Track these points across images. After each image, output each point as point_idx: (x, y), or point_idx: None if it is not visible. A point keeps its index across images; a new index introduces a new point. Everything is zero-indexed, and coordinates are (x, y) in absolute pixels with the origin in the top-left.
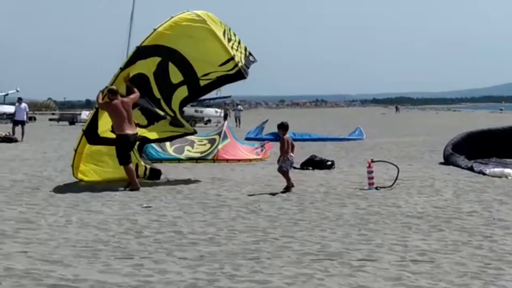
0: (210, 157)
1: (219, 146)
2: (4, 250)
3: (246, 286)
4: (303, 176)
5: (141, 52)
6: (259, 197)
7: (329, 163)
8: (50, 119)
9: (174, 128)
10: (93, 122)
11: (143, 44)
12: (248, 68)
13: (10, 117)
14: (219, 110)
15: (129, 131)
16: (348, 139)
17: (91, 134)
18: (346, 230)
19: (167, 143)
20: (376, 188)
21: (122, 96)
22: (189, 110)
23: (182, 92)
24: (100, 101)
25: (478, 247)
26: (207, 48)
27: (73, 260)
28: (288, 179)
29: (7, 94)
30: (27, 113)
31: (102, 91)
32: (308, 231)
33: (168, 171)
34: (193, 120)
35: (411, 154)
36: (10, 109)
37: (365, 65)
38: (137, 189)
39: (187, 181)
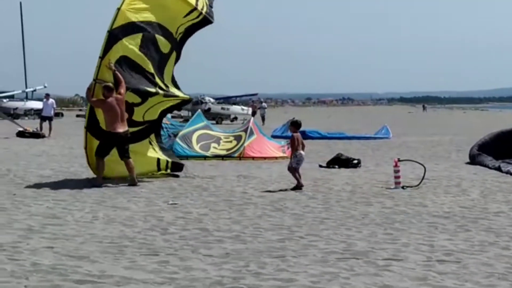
0: (236, 154)
1: (245, 144)
2: (31, 245)
3: (271, 284)
4: (329, 175)
5: (114, 35)
6: (284, 195)
7: (355, 161)
8: (77, 115)
9: (169, 98)
10: (92, 117)
11: (114, 27)
12: (211, 15)
13: (38, 113)
14: (245, 108)
15: (120, 129)
16: (375, 138)
17: (95, 129)
18: (372, 229)
19: (193, 140)
20: (403, 187)
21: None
22: (215, 107)
23: (172, 61)
24: (91, 98)
25: (505, 248)
26: (169, 6)
27: (99, 256)
28: (296, 177)
29: (35, 90)
30: (54, 109)
31: (90, 88)
32: (333, 230)
33: (194, 168)
34: (219, 117)
35: (437, 153)
36: (37, 105)
37: (392, 63)
38: (100, 185)
39: (213, 178)
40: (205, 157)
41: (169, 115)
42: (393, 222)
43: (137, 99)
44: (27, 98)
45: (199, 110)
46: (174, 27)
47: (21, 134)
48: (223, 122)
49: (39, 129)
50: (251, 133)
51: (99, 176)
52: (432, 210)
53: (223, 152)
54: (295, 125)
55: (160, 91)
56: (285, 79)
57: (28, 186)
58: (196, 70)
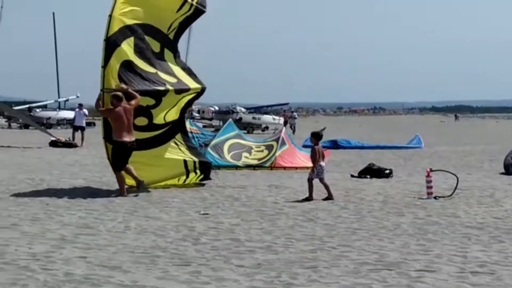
0: (267, 164)
1: (277, 153)
2: (64, 255)
3: None
4: (361, 185)
5: (112, 42)
6: (316, 205)
7: (387, 171)
8: None
9: (183, 94)
10: (107, 126)
11: (110, 34)
12: (203, 4)
13: (70, 123)
14: (276, 117)
15: (127, 138)
16: (407, 147)
17: (111, 138)
18: (404, 240)
19: (225, 150)
20: (435, 197)
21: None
22: (246, 117)
23: (168, 55)
24: (100, 108)
25: None
26: (159, 5)
27: (132, 266)
28: (310, 190)
29: (67, 100)
30: (85, 119)
31: (99, 99)
32: (365, 240)
33: (225, 178)
34: (250, 127)
35: (470, 163)
36: (70, 114)
37: (424, 72)
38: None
39: (244, 188)
40: (236, 167)
41: (200, 124)
42: (426, 232)
43: (151, 101)
44: (59, 108)
45: (230, 119)
46: (166, 24)
47: (54, 144)
48: (254, 131)
49: (71, 138)
50: (283, 143)
51: (122, 189)
52: (465, 221)
53: (255, 162)
54: (316, 136)
55: (170, 87)
56: (317, 88)
57: (61, 196)
58: (227, 80)
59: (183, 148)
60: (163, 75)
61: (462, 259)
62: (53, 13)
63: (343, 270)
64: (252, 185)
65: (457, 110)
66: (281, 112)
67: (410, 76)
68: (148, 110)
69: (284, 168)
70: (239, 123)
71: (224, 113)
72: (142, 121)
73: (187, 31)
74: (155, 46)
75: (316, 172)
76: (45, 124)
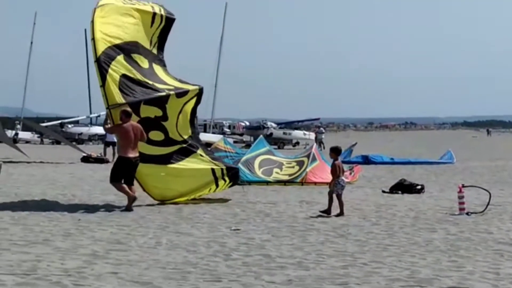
0: (298, 180)
1: (308, 169)
2: (95, 270)
3: None
4: (392, 200)
5: (103, 62)
6: (347, 221)
7: (418, 187)
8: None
9: (184, 98)
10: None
11: (99, 55)
12: (170, 12)
13: (102, 138)
14: (307, 133)
15: (131, 154)
16: (438, 163)
17: None
18: (436, 256)
19: (256, 165)
20: (467, 213)
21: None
22: (277, 132)
23: (158, 69)
24: (107, 126)
25: None
26: (135, 21)
27: (163, 282)
28: (330, 204)
29: (99, 116)
30: None
31: (107, 118)
32: (397, 257)
33: (256, 193)
34: (281, 142)
35: (503, 178)
36: (101, 130)
37: (455, 87)
38: (130, 210)
39: (275, 204)
40: (267, 183)
41: (230, 140)
42: (458, 249)
43: (158, 111)
44: (91, 124)
45: (261, 135)
46: (147, 40)
47: (86, 160)
48: (285, 147)
49: (103, 154)
50: (314, 159)
51: (129, 199)
52: (498, 237)
53: (285, 177)
54: (335, 151)
55: (170, 92)
56: (347, 103)
57: (93, 212)
58: (258, 95)
59: (208, 159)
60: (159, 85)
61: (494, 276)
62: (85, 30)
63: (375, 286)
64: (283, 201)
65: (489, 124)
66: (312, 127)
67: (441, 91)
68: (159, 122)
69: (315, 183)
70: (269, 138)
71: (255, 129)
72: (158, 135)
73: (217, 45)
74: (143, 62)
75: (340, 187)
76: (77, 140)
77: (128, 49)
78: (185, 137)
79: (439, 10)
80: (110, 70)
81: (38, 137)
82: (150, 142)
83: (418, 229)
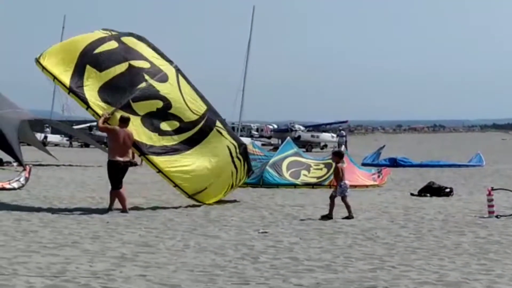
0: (326, 183)
1: None
2: (124, 273)
3: None
4: (421, 203)
5: (75, 88)
6: (375, 224)
7: (447, 190)
8: None
9: (170, 81)
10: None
11: (68, 86)
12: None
13: None
14: (335, 135)
15: (119, 157)
16: (467, 166)
17: (150, 149)
18: (465, 260)
19: (284, 167)
20: (497, 216)
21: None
22: (305, 135)
23: (130, 40)
24: (100, 124)
25: None
26: (70, 41)
27: (191, 284)
28: (331, 208)
29: None
30: None
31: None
32: (426, 260)
33: (284, 196)
34: (309, 145)
35: None
36: None
37: (484, 89)
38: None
39: (303, 207)
40: (295, 185)
41: (258, 143)
42: (487, 252)
43: (157, 103)
44: None
45: (289, 137)
46: (96, 37)
47: None
48: (313, 149)
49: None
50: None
51: (124, 207)
52: None
53: (313, 180)
54: (337, 155)
55: (148, 78)
56: (376, 106)
57: (121, 214)
58: (286, 97)
59: (225, 133)
60: (138, 63)
61: None
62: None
63: None
64: (311, 204)
65: None
66: (338, 130)
67: (470, 93)
68: (166, 112)
69: None
70: (297, 141)
71: (283, 131)
72: (171, 124)
73: (245, 47)
74: (110, 45)
75: (340, 190)
76: (105, 143)
77: (86, 57)
78: (202, 111)
79: (468, 8)
80: (86, 92)
81: (67, 140)
82: (166, 133)
83: (447, 232)
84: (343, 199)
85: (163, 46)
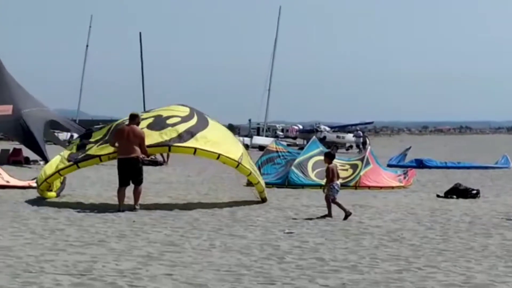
0: (352, 183)
1: (361, 173)
2: (150, 272)
3: None
4: (447, 205)
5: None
6: (401, 225)
7: (474, 191)
8: None
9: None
10: None
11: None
12: None
13: None
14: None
15: (122, 155)
16: (494, 168)
17: (171, 141)
18: (492, 262)
19: (309, 168)
20: None
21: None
22: (330, 136)
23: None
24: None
25: None
26: None
27: (217, 284)
28: (329, 207)
29: None
30: None
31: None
32: (452, 262)
33: (310, 197)
34: (334, 145)
35: None
36: None
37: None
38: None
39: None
40: (321, 186)
41: (284, 143)
42: None
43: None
44: None
45: (314, 136)
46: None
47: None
48: (339, 150)
49: (155, 156)
50: (367, 163)
51: (119, 204)
52: None
53: (339, 181)
54: (328, 156)
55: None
56: (402, 107)
57: (147, 214)
58: (312, 98)
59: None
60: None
61: None
62: (140, 33)
63: None
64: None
65: None
66: (355, 131)
67: (497, 94)
68: (163, 120)
69: (369, 187)
70: (323, 142)
71: (308, 132)
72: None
73: (271, 47)
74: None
75: (334, 191)
76: None
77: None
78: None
79: (494, 8)
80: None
81: None
82: (174, 125)
83: (474, 234)
84: (333, 201)
85: (191, 47)
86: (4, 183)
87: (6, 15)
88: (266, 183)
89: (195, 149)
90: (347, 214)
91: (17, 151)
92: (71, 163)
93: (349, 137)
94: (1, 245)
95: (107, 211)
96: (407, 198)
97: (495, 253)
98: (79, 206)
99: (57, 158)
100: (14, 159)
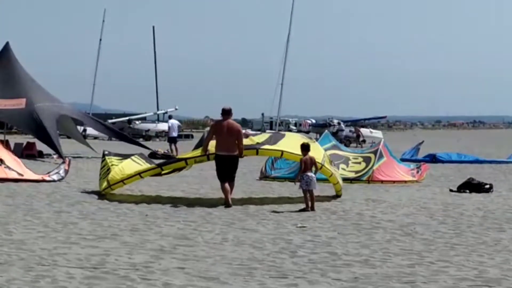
0: (365, 178)
1: (374, 167)
2: (162, 265)
3: None
4: (460, 199)
5: None
6: (414, 219)
7: (487, 186)
8: None
9: None
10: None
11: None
12: None
13: (167, 135)
14: (374, 131)
15: (222, 152)
16: (507, 162)
17: (258, 145)
18: (505, 256)
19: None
20: None
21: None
22: (345, 130)
23: None
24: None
25: None
26: None
27: (229, 277)
28: (305, 199)
29: (166, 112)
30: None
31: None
32: (465, 256)
33: (322, 190)
34: (347, 140)
35: None
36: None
37: None
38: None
39: (341, 202)
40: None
41: None
42: None
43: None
44: (158, 120)
45: (327, 130)
46: None
47: (153, 156)
48: (351, 145)
49: (169, 150)
50: (381, 156)
51: (226, 199)
52: None
53: (352, 175)
54: (303, 148)
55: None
56: (415, 101)
57: (160, 207)
58: (325, 92)
59: None
60: None
61: None
62: (153, 27)
63: (442, 285)
64: (349, 199)
65: None
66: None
67: (511, 89)
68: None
69: (382, 181)
70: (335, 136)
71: (321, 126)
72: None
73: (284, 42)
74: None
75: (304, 182)
76: (144, 136)
77: None
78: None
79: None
80: None
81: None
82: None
83: (486, 229)
84: (310, 192)
85: (205, 40)
86: (17, 176)
87: (20, 10)
88: (279, 178)
89: (282, 152)
90: (306, 209)
91: (31, 145)
92: (154, 165)
93: (362, 131)
94: (15, 238)
95: (120, 205)
96: (420, 192)
97: (507, 248)
98: (92, 200)
99: (128, 161)
100: (27, 153)
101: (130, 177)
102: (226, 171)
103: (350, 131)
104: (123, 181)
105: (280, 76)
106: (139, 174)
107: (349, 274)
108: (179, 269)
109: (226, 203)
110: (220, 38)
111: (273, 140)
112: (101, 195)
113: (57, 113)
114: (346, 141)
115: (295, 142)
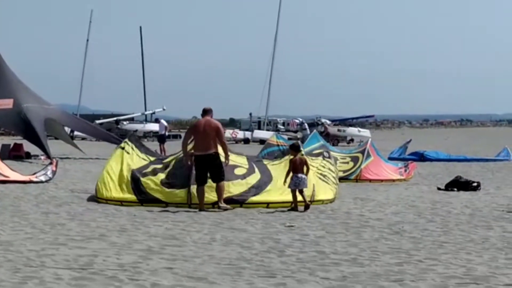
0: (352, 177)
1: (362, 166)
2: (150, 266)
3: None
4: (448, 198)
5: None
6: (402, 218)
7: (475, 184)
8: None
9: None
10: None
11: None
12: None
13: (156, 135)
14: (362, 130)
15: (199, 152)
16: (495, 160)
17: None
18: (493, 254)
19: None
20: None
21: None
22: (332, 129)
23: None
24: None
25: None
26: None
27: (217, 277)
28: (294, 199)
29: (153, 113)
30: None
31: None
32: (453, 254)
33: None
34: (335, 139)
35: None
36: (156, 127)
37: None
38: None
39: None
40: None
41: (285, 137)
42: None
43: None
44: (146, 121)
45: (315, 130)
46: None
47: None
48: (339, 144)
49: (158, 151)
50: (368, 155)
51: (199, 203)
52: None
53: (340, 174)
54: (293, 148)
55: None
56: (402, 100)
57: (148, 208)
58: (312, 92)
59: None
60: None
61: None
62: (140, 27)
63: (430, 283)
64: (337, 198)
65: None
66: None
67: (498, 88)
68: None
69: (370, 180)
70: (323, 135)
71: (309, 126)
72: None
73: (272, 41)
74: None
75: (293, 182)
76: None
77: None
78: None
79: (495, 7)
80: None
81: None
82: None
83: (474, 227)
84: (300, 192)
85: (192, 39)
86: (3, 178)
87: (6, 10)
88: None
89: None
90: (292, 208)
91: (18, 146)
92: (134, 197)
93: (350, 130)
94: (2, 239)
95: (108, 206)
96: (408, 191)
97: (495, 245)
98: (80, 201)
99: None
100: (15, 154)
101: (113, 200)
102: (205, 172)
103: (339, 130)
104: (107, 200)
105: (267, 76)
106: (121, 202)
107: (338, 273)
108: (167, 269)
109: (200, 208)
110: (208, 38)
111: (261, 181)
112: (89, 195)
113: (44, 115)
114: (334, 140)
115: (281, 177)
